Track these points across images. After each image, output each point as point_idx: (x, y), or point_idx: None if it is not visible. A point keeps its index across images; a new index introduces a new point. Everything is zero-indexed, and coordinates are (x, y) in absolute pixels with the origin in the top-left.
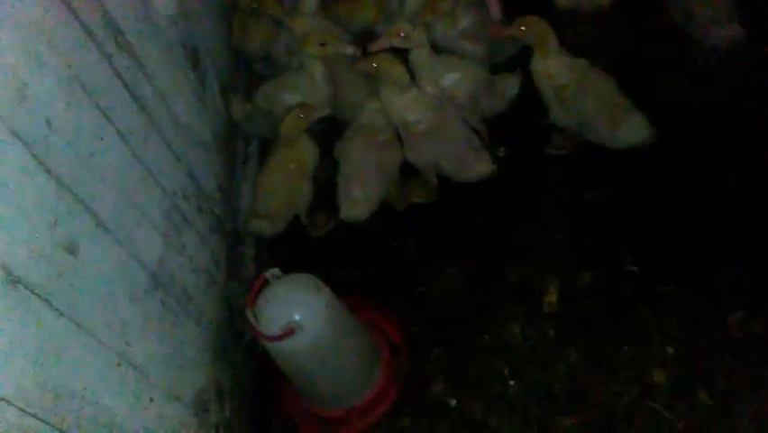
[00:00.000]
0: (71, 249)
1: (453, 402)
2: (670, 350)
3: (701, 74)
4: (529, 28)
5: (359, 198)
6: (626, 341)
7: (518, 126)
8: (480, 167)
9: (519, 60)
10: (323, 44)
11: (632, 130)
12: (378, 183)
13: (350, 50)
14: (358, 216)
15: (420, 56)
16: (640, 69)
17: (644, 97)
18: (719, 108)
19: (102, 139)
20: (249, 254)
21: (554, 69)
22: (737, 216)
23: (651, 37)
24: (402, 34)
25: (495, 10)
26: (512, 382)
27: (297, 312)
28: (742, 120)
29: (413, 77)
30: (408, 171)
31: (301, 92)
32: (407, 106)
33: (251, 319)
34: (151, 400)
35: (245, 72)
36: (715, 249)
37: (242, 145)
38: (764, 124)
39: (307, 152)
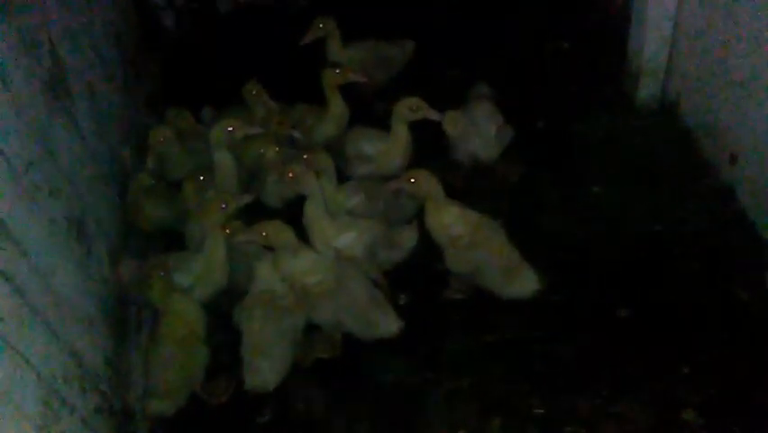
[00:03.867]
0: None
1: None
2: None
3: (580, 213)
4: (418, 181)
5: (264, 369)
6: None
7: (417, 273)
8: (387, 326)
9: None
10: (224, 204)
11: (523, 285)
12: (283, 351)
13: (246, 198)
14: (265, 388)
15: (314, 207)
16: (525, 211)
17: (529, 239)
18: (598, 244)
19: None
20: (141, 432)
21: (447, 219)
22: (633, 348)
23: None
24: (290, 175)
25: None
26: None
27: None
28: (622, 255)
29: (306, 236)
30: (311, 326)
31: (195, 274)
32: (305, 269)
33: None
34: None
35: (139, 237)
36: (615, 383)
37: (134, 312)
38: (643, 255)
39: (191, 313)
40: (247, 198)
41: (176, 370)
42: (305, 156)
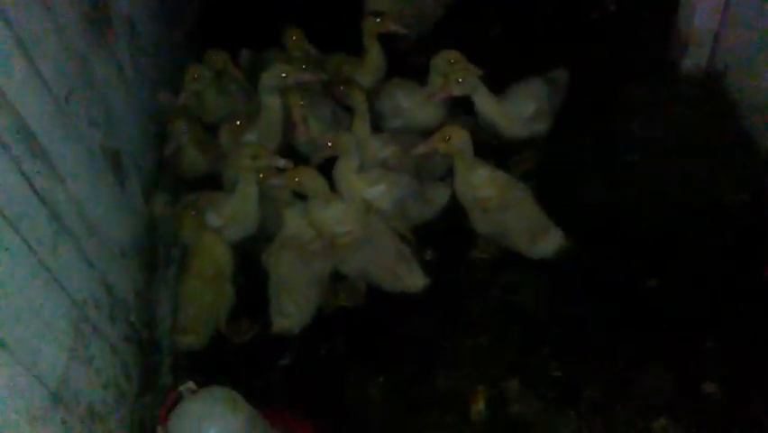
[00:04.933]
0: None
1: None
2: None
3: (616, 179)
4: (451, 138)
5: (291, 312)
6: None
7: (444, 230)
8: (412, 280)
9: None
10: (255, 157)
11: (549, 244)
12: (309, 295)
13: (281, 162)
14: (291, 330)
15: (345, 166)
16: (558, 174)
17: (560, 202)
18: (632, 213)
19: (6, 249)
20: (166, 363)
21: (477, 180)
22: (658, 318)
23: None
24: (329, 143)
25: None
26: None
27: (212, 429)
28: (656, 225)
29: (336, 188)
30: (337, 274)
31: (226, 215)
32: (334, 219)
33: None
34: None
35: (172, 174)
36: (637, 351)
37: (164, 249)
38: (677, 227)
39: (220, 252)
40: (282, 163)
41: (202, 307)
42: (340, 87)
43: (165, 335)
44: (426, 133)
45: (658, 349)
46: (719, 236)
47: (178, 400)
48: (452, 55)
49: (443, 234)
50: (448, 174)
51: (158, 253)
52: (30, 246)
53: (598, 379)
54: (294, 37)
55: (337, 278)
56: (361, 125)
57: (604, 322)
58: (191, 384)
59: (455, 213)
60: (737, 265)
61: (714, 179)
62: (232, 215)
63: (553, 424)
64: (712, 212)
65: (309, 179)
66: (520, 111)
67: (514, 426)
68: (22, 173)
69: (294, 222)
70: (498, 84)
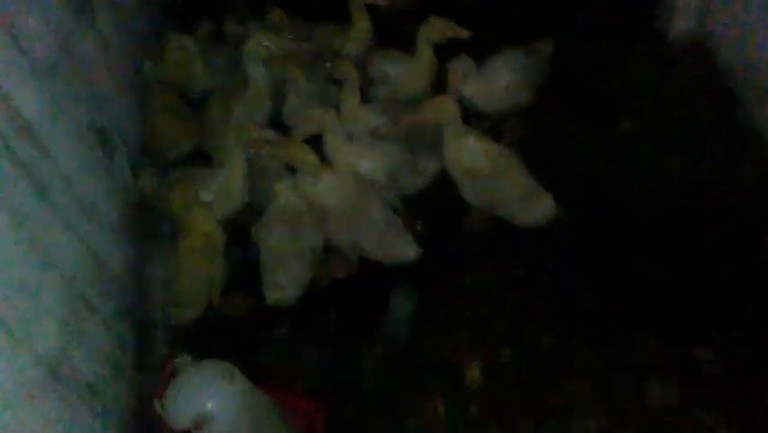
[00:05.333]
0: None
1: None
2: (592, 425)
3: (607, 152)
4: (439, 109)
5: (283, 284)
6: (548, 416)
7: (436, 200)
8: (404, 251)
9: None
10: (242, 130)
11: (541, 211)
12: (301, 267)
13: (270, 134)
14: (285, 302)
15: (333, 140)
16: (548, 148)
17: (553, 176)
18: (623, 183)
19: None
20: (161, 338)
21: (465, 151)
22: (652, 288)
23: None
24: (314, 119)
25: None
26: None
27: (209, 402)
28: (646, 194)
29: (327, 160)
30: (328, 246)
31: (215, 190)
32: (324, 192)
33: (160, 411)
34: None
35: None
36: (631, 319)
37: (154, 223)
38: (673, 201)
39: (210, 226)
40: (271, 136)
41: (195, 280)
42: (327, 64)
43: (159, 309)
44: (415, 103)
45: (652, 318)
46: (711, 207)
47: (174, 373)
48: (441, 22)
49: (435, 204)
50: (439, 144)
51: (149, 228)
52: (19, 223)
53: (592, 348)
54: (276, 18)
55: (328, 250)
56: (351, 97)
57: (597, 292)
58: (186, 357)
59: (447, 183)
60: (734, 235)
61: (705, 149)
62: (221, 189)
63: (546, 393)
64: (709, 182)
65: (300, 153)
66: (494, 84)
67: (508, 394)
68: (8, 148)
69: (284, 194)
70: (485, 52)
